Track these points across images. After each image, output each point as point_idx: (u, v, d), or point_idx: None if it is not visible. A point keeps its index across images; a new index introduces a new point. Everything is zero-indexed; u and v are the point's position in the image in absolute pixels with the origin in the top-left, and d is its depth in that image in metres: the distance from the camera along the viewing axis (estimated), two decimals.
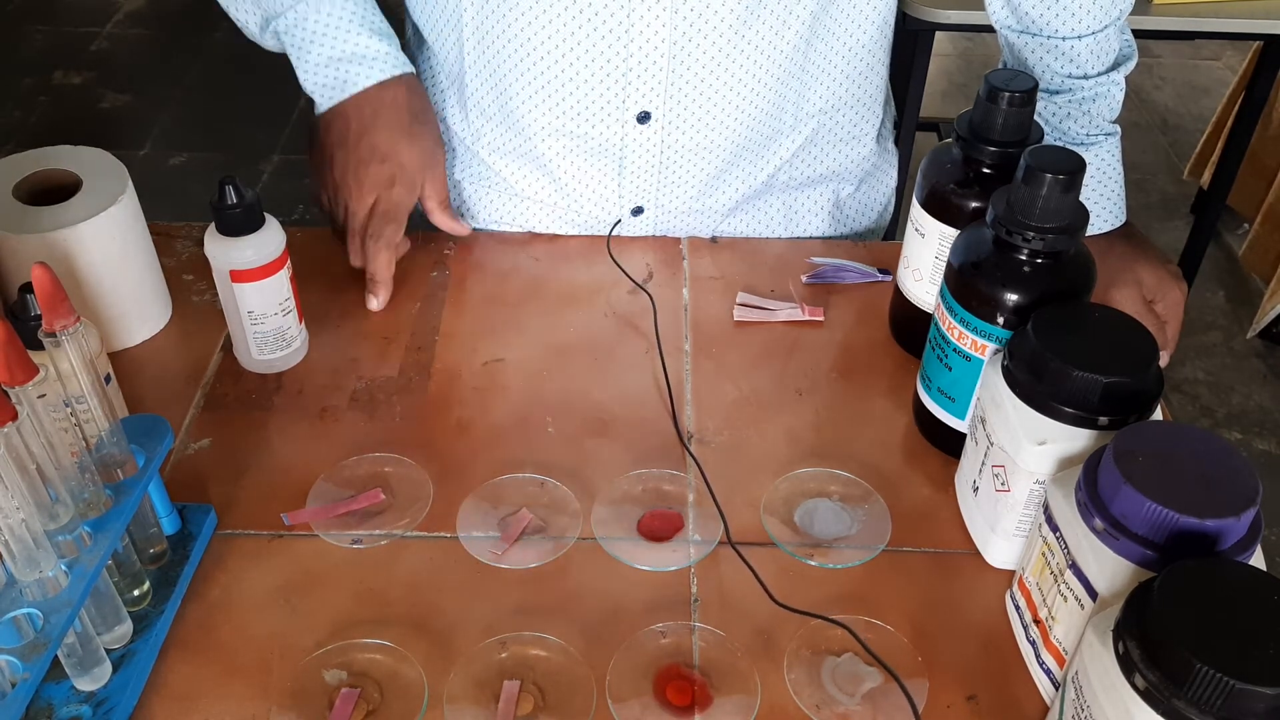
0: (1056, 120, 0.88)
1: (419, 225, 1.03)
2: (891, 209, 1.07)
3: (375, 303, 0.86)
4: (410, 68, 0.89)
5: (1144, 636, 0.47)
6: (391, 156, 0.86)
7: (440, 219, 0.91)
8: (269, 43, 0.89)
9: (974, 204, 0.75)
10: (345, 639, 0.63)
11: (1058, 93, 0.88)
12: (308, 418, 0.77)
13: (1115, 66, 0.88)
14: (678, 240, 0.94)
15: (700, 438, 0.76)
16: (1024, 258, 0.66)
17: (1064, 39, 0.85)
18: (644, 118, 0.87)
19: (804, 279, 0.90)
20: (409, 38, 0.96)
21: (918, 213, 0.78)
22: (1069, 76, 0.87)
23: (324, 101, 0.87)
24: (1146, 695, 0.46)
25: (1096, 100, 0.87)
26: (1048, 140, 0.86)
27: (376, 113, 0.86)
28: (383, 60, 0.87)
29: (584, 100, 0.86)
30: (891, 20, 0.93)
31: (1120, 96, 0.88)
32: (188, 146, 2.81)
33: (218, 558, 0.68)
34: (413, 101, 0.88)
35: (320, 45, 0.86)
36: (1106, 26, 0.85)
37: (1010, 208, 0.66)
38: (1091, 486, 0.56)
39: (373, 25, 0.87)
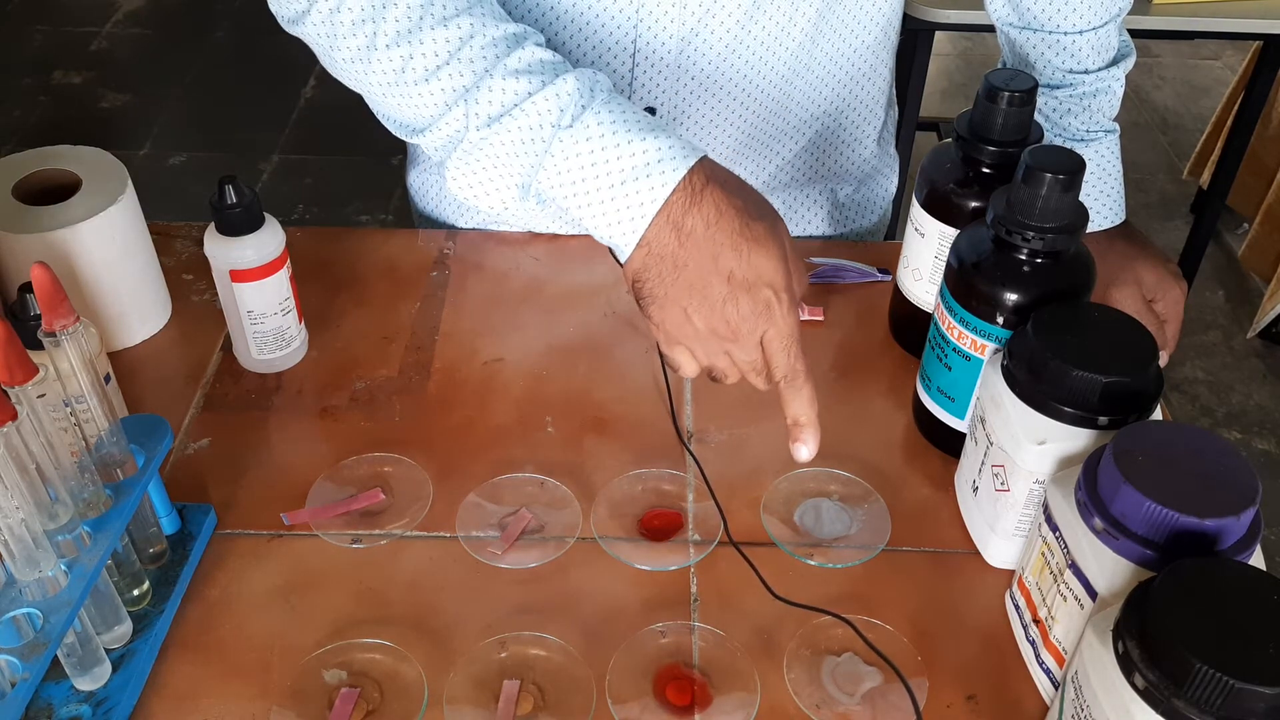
0: (1057, 116, 0.88)
1: (417, 224, 1.03)
2: (890, 212, 1.07)
3: (806, 452, 0.67)
4: (700, 150, 0.65)
5: (1144, 636, 0.47)
6: (756, 278, 0.63)
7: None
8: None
9: (974, 204, 0.75)
10: (345, 639, 0.63)
11: (1058, 87, 0.88)
12: (308, 418, 0.77)
13: (1115, 63, 0.88)
14: None
15: (700, 437, 0.76)
16: (1024, 257, 0.66)
17: (1065, 34, 0.85)
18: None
19: None
20: None
21: (918, 213, 0.78)
22: (1070, 71, 0.87)
23: (626, 244, 0.64)
24: (1146, 695, 0.46)
25: (1097, 95, 0.87)
26: (1047, 136, 0.86)
27: (707, 229, 0.63)
28: (669, 156, 0.63)
29: None
30: (897, 23, 0.93)
31: (1120, 93, 0.88)
32: (188, 146, 2.81)
33: (217, 558, 0.68)
34: (728, 194, 0.64)
35: (593, 184, 0.64)
36: (1107, 22, 0.85)
37: (1010, 207, 0.66)
38: (1091, 486, 0.56)
39: (642, 122, 0.64)
